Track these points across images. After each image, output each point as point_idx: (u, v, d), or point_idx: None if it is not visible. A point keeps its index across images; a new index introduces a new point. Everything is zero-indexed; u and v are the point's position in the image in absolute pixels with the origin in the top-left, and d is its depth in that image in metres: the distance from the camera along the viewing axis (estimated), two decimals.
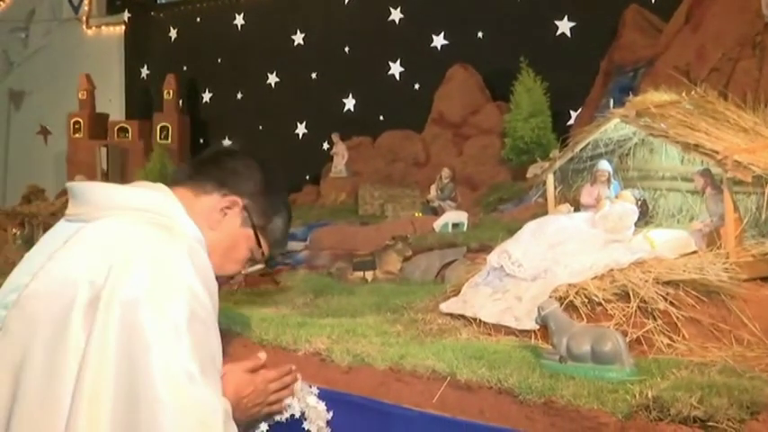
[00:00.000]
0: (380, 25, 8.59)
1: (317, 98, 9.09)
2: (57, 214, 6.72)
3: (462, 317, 2.63)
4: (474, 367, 2.04)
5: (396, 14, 8.55)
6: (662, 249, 2.63)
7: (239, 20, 10.06)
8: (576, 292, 2.43)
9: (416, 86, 8.31)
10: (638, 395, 1.75)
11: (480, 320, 2.55)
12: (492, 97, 7.58)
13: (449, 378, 2.04)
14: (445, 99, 7.71)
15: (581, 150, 3.18)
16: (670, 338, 2.23)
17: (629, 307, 2.32)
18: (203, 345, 1.47)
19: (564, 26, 7.30)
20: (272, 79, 9.68)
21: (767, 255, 2.60)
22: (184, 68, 10.49)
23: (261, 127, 9.71)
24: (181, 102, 10.36)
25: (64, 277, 1.47)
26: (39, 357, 1.42)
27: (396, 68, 8.58)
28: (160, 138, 10.14)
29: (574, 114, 6.84)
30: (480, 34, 7.86)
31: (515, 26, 7.44)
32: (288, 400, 1.95)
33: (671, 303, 2.31)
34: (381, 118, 8.45)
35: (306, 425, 1.97)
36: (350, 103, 8.98)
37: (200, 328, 1.47)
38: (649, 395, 1.72)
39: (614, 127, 3.07)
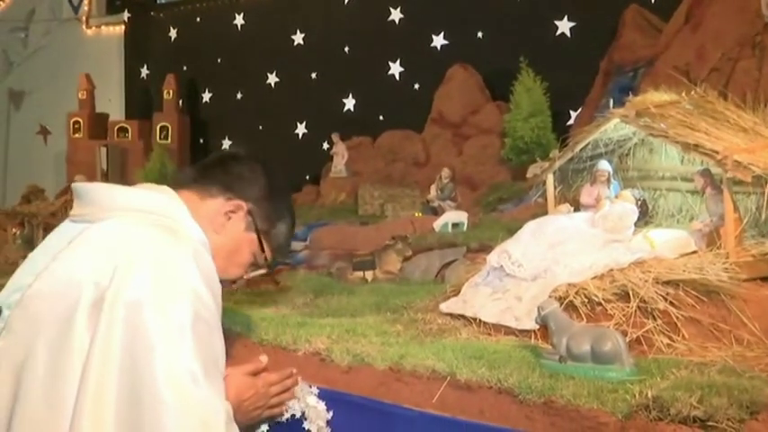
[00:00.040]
0: (380, 25, 8.59)
1: (316, 98, 9.09)
2: (56, 214, 6.73)
3: (462, 317, 2.63)
4: (474, 367, 2.04)
5: (396, 14, 8.55)
6: (662, 249, 2.63)
7: (239, 20, 10.06)
8: (576, 292, 2.43)
9: (416, 86, 8.31)
10: (637, 395, 1.75)
11: (480, 320, 2.55)
12: (492, 97, 7.57)
13: (449, 378, 2.04)
14: (445, 99, 7.70)
15: (581, 150, 3.17)
16: (670, 338, 2.23)
17: (628, 307, 2.32)
18: (207, 346, 1.47)
19: (564, 26, 7.29)
20: (272, 79, 9.67)
21: (767, 255, 2.60)
22: (184, 68, 10.49)
23: (261, 127, 9.71)
24: (181, 102, 10.36)
25: (68, 278, 1.48)
26: (42, 357, 1.43)
27: (396, 68, 8.57)
28: (160, 138, 10.13)
29: (574, 114, 6.84)
30: (480, 34, 7.86)
31: (515, 26, 7.43)
32: (288, 402, 1.96)
33: (671, 303, 2.31)
34: (381, 118, 8.45)
35: (306, 425, 1.97)
36: (350, 103, 8.98)
37: (204, 329, 1.47)
38: (649, 395, 1.72)
39: (614, 127, 3.07)
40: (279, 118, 9.41)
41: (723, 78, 4.83)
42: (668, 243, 2.70)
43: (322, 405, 1.99)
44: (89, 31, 11.67)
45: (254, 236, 1.79)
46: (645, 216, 3.10)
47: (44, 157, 11.49)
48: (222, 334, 1.56)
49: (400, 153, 7.79)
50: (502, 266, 2.76)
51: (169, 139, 10.11)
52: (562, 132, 4.43)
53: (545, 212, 3.25)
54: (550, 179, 3.27)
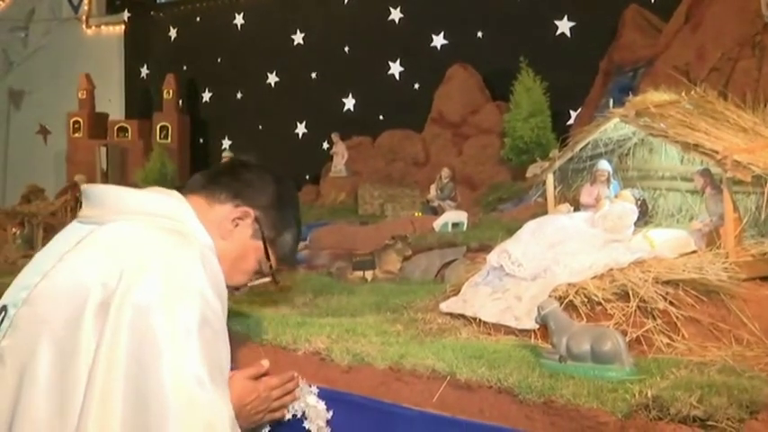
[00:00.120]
0: (380, 25, 8.59)
1: (316, 98, 9.09)
2: (56, 214, 6.74)
3: (462, 316, 2.63)
4: (474, 367, 2.04)
5: (395, 14, 8.55)
6: (661, 249, 2.63)
7: (239, 19, 10.06)
8: (576, 292, 2.43)
9: (416, 86, 8.31)
10: (637, 394, 1.75)
11: (480, 320, 2.55)
12: (492, 97, 7.58)
13: (448, 377, 2.04)
14: (445, 99, 7.71)
15: (581, 150, 3.17)
16: (669, 338, 2.23)
17: (628, 306, 2.32)
18: (213, 350, 1.48)
19: (564, 26, 7.30)
20: (272, 79, 9.67)
21: (766, 254, 2.60)
22: (184, 68, 10.49)
23: (261, 127, 9.71)
24: (180, 101, 10.36)
25: (76, 278, 1.48)
26: (48, 358, 1.43)
27: (395, 68, 8.58)
28: (160, 137, 10.14)
29: (573, 114, 6.84)
30: (480, 34, 7.86)
31: (515, 26, 7.43)
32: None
33: (670, 303, 2.31)
34: (381, 118, 8.45)
35: (306, 424, 1.97)
36: (350, 103, 8.98)
37: (211, 333, 1.48)
38: (649, 394, 1.72)
39: (614, 127, 3.07)
40: (279, 118, 9.41)
41: (723, 78, 4.84)
42: (668, 243, 2.70)
43: (322, 404, 1.99)
44: (89, 31, 11.67)
45: (260, 243, 1.80)
46: (645, 216, 3.10)
47: (44, 157, 11.49)
48: (228, 337, 1.57)
49: (400, 153, 7.79)
50: (502, 266, 2.76)
51: (169, 139, 10.12)
52: (562, 132, 4.43)
53: (545, 212, 3.25)
54: (550, 179, 3.27)
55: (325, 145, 8.55)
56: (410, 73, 8.44)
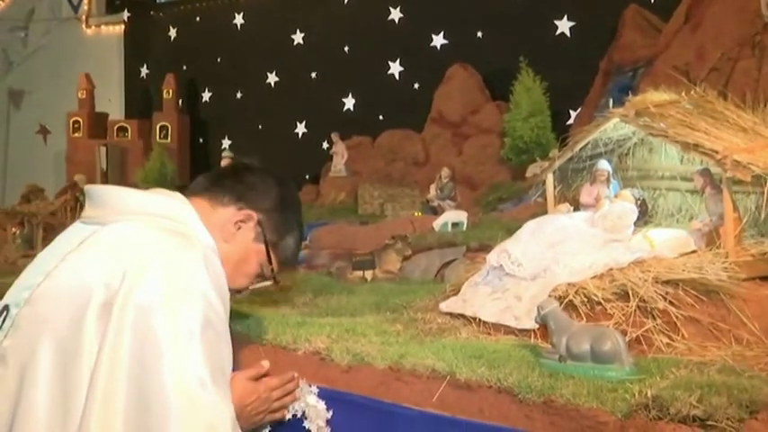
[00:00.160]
0: (380, 25, 8.59)
1: (316, 98, 9.09)
2: (56, 214, 6.74)
3: (462, 316, 2.63)
4: (473, 366, 2.04)
5: (395, 14, 8.55)
6: (661, 249, 2.63)
7: (239, 19, 10.06)
8: (576, 292, 2.43)
9: (416, 86, 8.32)
10: (637, 394, 1.75)
11: (480, 320, 2.55)
12: (491, 97, 7.58)
13: (448, 377, 2.04)
14: (445, 99, 7.71)
15: (580, 150, 3.17)
16: (669, 338, 2.23)
17: (628, 306, 2.32)
18: (215, 352, 1.48)
19: (563, 26, 7.30)
20: (272, 79, 9.68)
21: (766, 254, 2.60)
22: (184, 68, 10.49)
23: (260, 126, 9.71)
24: (180, 101, 10.36)
25: (78, 279, 1.48)
26: (50, 357, 1.43)
27: (395, 68, 8.58)
28: (159, 137, 10.14)
29: (573, 114, 6.85)
30: (480, 34, 7.86)
31: (515, 26, 7.44)
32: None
33: (670, 303, 2.31)
34: (381, 117, 8.46)
35: (306, 424, 1.97)
36: (349, 103, 8.98)
37: (213, 335, 1.48)
38: (649, 394, 1.72)
39: (614, 126, 3.07)
40: (278, 117, 9.41)
41: (723, 78, 4.84)
42: (668, 242, 2.70)
43: (322, 404, 1.99)
44: (89, 31, 11.68)
45: (262, 247, 1.80)
46: (644, 216, 3.10)
47: (44, 157, 11.50)
48: (230, 338, 1.57)
49: (400, 153, 7.79)
50: (501, 266, 2.76)
51: (169, 139, 10.12)
52: (562, 132, 4.44)
53: (545, 212, 3.25)
54: (550, 179, 3.27)
55: (325, 145, 8.55)
56: (410, 73, 8.45)
